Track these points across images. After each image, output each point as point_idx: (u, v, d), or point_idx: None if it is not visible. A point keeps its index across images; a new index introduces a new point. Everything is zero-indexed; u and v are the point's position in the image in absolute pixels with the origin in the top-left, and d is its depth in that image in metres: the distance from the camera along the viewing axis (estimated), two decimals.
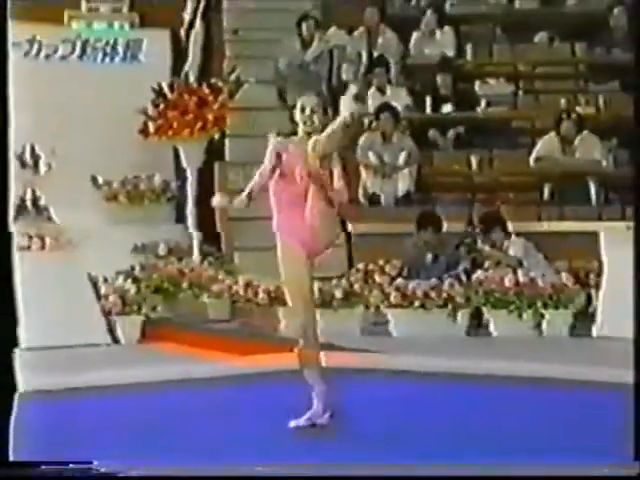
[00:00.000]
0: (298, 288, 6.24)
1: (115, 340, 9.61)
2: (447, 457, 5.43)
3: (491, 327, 9.69)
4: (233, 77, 11.72)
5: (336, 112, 9.18)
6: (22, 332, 8.20)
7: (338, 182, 6.04)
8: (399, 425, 6.19)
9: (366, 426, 6.05)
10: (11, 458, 5.11)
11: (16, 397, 5.98)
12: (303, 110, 6.04)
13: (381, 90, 11.91)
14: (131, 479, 5.15)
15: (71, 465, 5.15)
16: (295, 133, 6.13)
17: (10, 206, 4.49)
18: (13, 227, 10.12)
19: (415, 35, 12.41)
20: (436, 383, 7.53)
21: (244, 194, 6.09)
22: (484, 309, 9.68)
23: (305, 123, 6.04)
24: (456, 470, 5.03)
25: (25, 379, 7.04)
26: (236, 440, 6.01)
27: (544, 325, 9.61)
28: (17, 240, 9.85)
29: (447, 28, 12.43)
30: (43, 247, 10.02)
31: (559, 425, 6.36)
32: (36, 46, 11.54)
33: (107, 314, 9.65)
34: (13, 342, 6.38)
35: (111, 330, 9.61)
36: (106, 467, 5.14)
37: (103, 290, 9.77)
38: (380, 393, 7.08)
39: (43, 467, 5.13)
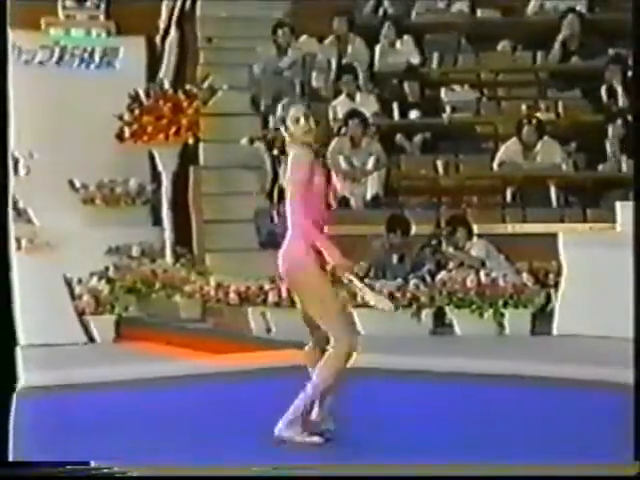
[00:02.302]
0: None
1: (91, 339, 9.57)
2: (414, 452, 5.41)
3: (455, 326, 9.70)
4: (207, 84, 11.76)
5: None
6: None
7: None
8: (365, 420, 6.15)
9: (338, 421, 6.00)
10: (11, 458, 4.94)
11: None
12: (298, 121, 5.75)
13: (351, 97, 11.91)
14: (131, 479, 5.01)
15: (71, 465, 5.03)
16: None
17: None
18: None
19: (378, 46, 12.40)
20: (401, 380, 7.53)
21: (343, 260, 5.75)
22: (447, 309, 9.70)
23: (306, 133, 5.74)
24: (456, 470, 4.89)
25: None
26: (206, 438, 5.98)
27: (505, 324, 9.62)
28: None
29: (407, 37, 12.40)
30: (19, 248, 9.97)
31: (522, 420, 6.39)
32: (15, 52, 11.49)
33: (81, 314, 9.61)
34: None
35: (86, 329, 9.57)
36: (105, 467, 5.04)
37: (77, 290, 9.74)
38: (348, 390, 7.07)
39: (43, 467, 5.02)
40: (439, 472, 4.84)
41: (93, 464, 5.04)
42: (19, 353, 8.45)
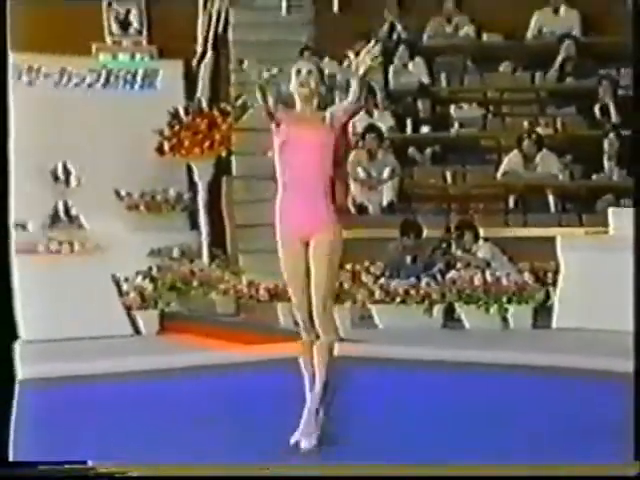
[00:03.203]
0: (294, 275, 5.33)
1: (137, 332, 9.62)
2: (425, 438, 5.39)
3: (463, 320, 9.69)
4: (239, 102, 11.76)
5: None
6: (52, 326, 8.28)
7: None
8: (382, 407, 6.18)
9: (356, 405, 5.99)
10: (11, 458, 4.53)
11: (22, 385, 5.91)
12: (299, 73, 5.24)
13: (369, 113, 11.92)
14: (130, 479, 4.64)
15: (70, 465, 4.68)
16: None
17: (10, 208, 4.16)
18: (48, 234, 10.22)
19: (392, 67, 12.41)
20: (416, 370, 7.52)
21: None
22: (456, 305, 9.69)
23: (302, 85, 5.21)
24: (456, 470, 4.61)
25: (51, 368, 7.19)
26: (241, 420, 6.02)
27: (509, 318, 9.61)
28: (48, 245, 9.93)
29: (418, 59, 12.42)
30: (72, 251, 10.05)
31: (524, 406, 6.38)
32: (66, 76, 11.57)
33: (128, 309, 9.67)
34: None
35: (133, 323, 9.63)
36: (104, 467, 4.68)
37: (124, 288, 9.80)
38: (368, 378, 7.07)
39: (42, 467, 4.66)
40: (439, 472, 4.59)
41: (90, 464, 4.69)
42: (70, 345, 8.56)
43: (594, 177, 11.42)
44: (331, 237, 5.26)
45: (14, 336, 5.19)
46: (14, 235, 5.13)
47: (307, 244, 5.28)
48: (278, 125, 5.20)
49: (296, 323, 5.49)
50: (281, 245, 5.32)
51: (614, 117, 11.73)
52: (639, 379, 4.45)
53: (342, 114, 5.20)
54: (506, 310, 9.61)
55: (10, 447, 4.42)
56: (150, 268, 10.55)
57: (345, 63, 12.34)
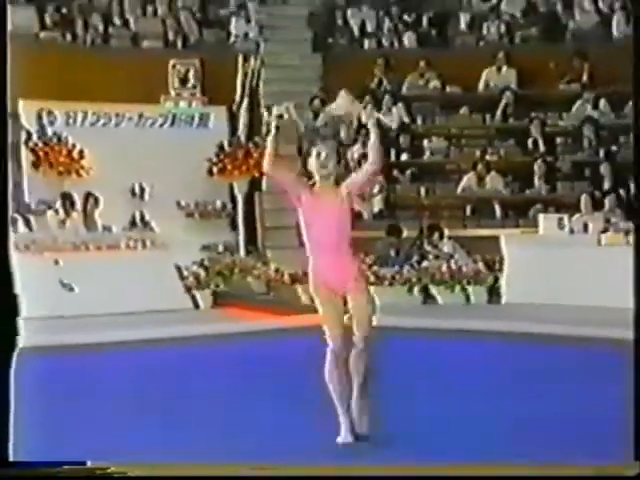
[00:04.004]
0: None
1: (196, 306, 9.65)
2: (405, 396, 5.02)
3: (436, 297, 9.70)
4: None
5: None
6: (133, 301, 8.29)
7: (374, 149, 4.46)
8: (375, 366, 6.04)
9: None
10: (11, 458, 3.48)
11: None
12: (319, 156, 4.42)
13: (364, 144, 11.88)
14: (130, 479, 3.72)
15: (69, 466, 3.72)
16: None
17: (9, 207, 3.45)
18: (128, 234, 10.24)
19: (381, 111, 12.36)
20: (401, 336, 7.49)
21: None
22: (430, 286, 9.70)
23: (322, 167, 4.41)
24: (455, 470, 3.80)
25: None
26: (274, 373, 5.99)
27: (470, 296, 9.62)
28: (128, 243, 9.96)
29: (400, 104, 12.32)
30: (145, 247, 10.08)
31: (483, 362, 6.38)
32: (143, 119, 11.58)
33: (188, 289, 9.70)
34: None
35: (193, 299, 9.66)
36: (104, 467, 3.74)
37: (185, 274, 9.80)
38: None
39: (42, 467, 3.72)
40: (439, 473, 3.78)
41: (89, 464, 3.76)
42: (141, 317, 8.56)
43: (527, 192, 11.41)
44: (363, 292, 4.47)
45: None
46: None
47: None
48: (299, 199, 4.44)
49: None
50: (319, 299, 4.46)
51: (541, 148, 11.74)
52: (639, 379, 3.69)
53: (356, 184, 4.52)
54: (467, 290, 9.62)
55: (10, 447, 3.40)
56: (202, 259, 10.45)
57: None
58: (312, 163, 4.47)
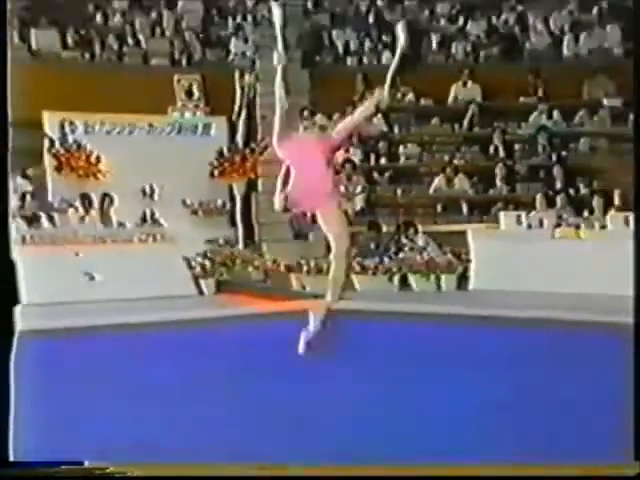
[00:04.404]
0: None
1: (201, 292, 9.53)
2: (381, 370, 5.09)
3: (412, 285, 9.62)
4: (263, 144, 11.59)
5: None
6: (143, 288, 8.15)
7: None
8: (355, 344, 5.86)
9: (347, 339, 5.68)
10: (11, 458, 3.18)
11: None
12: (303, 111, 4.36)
13: (347, 150, 11.78)
14: (129, 479, 3.34)
15: (68, 466, 3.35)
16: None
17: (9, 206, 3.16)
18: (140, 230, 10.07)
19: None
20: (381, 319, 7.42)
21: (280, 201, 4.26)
22: (408, 275, 9.61)
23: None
24: (456, 470, 3.40)
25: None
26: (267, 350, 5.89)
27: (442, 284, 9.55)
28: (140, 237, 9.81)
29: (379, 115, 12.12)
30: (155, 240, 9.93)
31: (454, 343, 6.28)
32: (153, 128, 11.40)
33: (195, 278, 9.57)
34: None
35: (198, 286, 9.54)
36: (103, 467, 3.37)
37: (192, 264, 9.68)
38: (349, 325, 6.91)
39: (42, 467, 3.34)
40: (439, 473, 3.40)
41: (87, 464, 3.38)
42: (152, 302, 8.45)
43: (490, 192, 11.32)
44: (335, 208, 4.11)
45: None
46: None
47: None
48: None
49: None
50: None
51: (502, 153, 11.66)
52: (639, 379, 3.47)
53: (349, 122, 4.22)
54: (439, 278, 9.54)
55: (10, 447, 3.11)
56: (206, 251, 10.35)
57: (334, 117, 12.25)
58: None
